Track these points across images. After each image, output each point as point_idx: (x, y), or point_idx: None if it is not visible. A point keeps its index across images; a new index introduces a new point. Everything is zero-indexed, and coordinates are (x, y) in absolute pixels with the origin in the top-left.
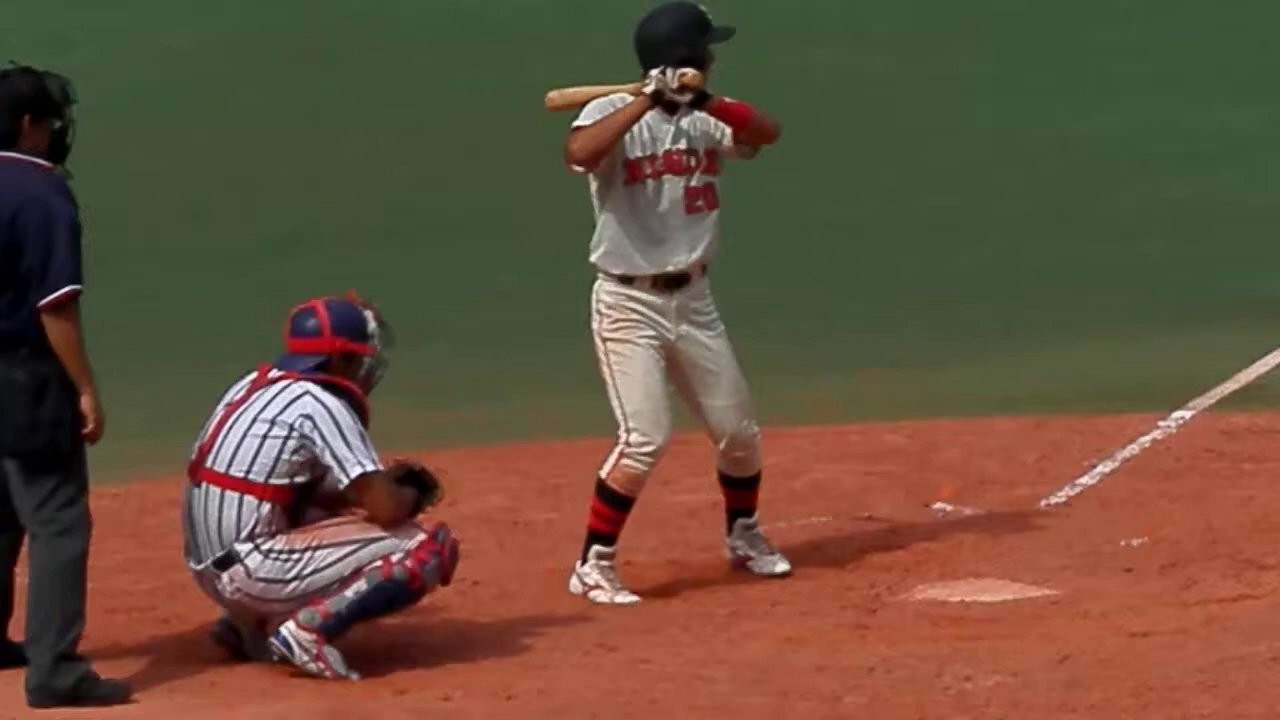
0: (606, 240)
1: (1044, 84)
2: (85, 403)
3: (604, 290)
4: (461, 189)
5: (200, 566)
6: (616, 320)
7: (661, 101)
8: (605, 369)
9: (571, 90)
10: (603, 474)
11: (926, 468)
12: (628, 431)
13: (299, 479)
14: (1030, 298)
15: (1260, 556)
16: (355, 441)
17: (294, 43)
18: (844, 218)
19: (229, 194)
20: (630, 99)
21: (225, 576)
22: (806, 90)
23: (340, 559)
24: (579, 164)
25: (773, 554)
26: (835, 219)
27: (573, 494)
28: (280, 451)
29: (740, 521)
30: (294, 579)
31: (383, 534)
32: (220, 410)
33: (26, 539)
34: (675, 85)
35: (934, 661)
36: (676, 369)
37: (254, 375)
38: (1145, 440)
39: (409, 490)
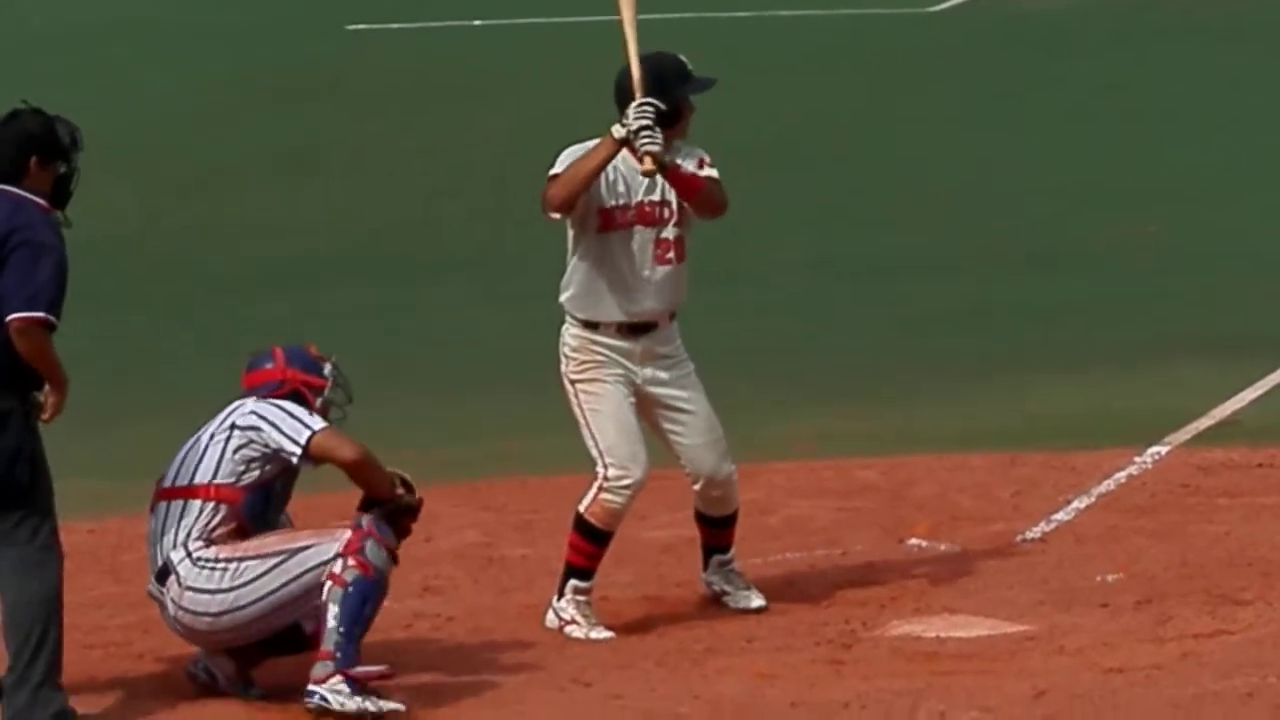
0: (575, 284)
1: (1016, 120)
2: (52, 397)
3: (569, 334)
4: (436, 228)
5: (151, 588)
6: (583, 363)
7: (631, 147)
8: (577, 409)
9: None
10: (581, 509)
11: (901, 504)
12: (605, 466)
13: (246, 477)
14: (1004, 334)
15: (1236, 592)
16: (300, 415)
17: (267, 85)
18: (817, 255)
19: (201, 234)
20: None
21: (168, 595)
22: (779, 127)
23: (268, 570)
24: (555, 211)
25: (748, 589)
26: (808, 256)
27: (547, 529)
28: (223, 452)
29: (716, 558)
30: (223, 590)
31: (307, 541)
32: None
33: None
34: (639, 155)
35: (909, 697)
36: (647, 411)
37: None
38: (1120, 476)
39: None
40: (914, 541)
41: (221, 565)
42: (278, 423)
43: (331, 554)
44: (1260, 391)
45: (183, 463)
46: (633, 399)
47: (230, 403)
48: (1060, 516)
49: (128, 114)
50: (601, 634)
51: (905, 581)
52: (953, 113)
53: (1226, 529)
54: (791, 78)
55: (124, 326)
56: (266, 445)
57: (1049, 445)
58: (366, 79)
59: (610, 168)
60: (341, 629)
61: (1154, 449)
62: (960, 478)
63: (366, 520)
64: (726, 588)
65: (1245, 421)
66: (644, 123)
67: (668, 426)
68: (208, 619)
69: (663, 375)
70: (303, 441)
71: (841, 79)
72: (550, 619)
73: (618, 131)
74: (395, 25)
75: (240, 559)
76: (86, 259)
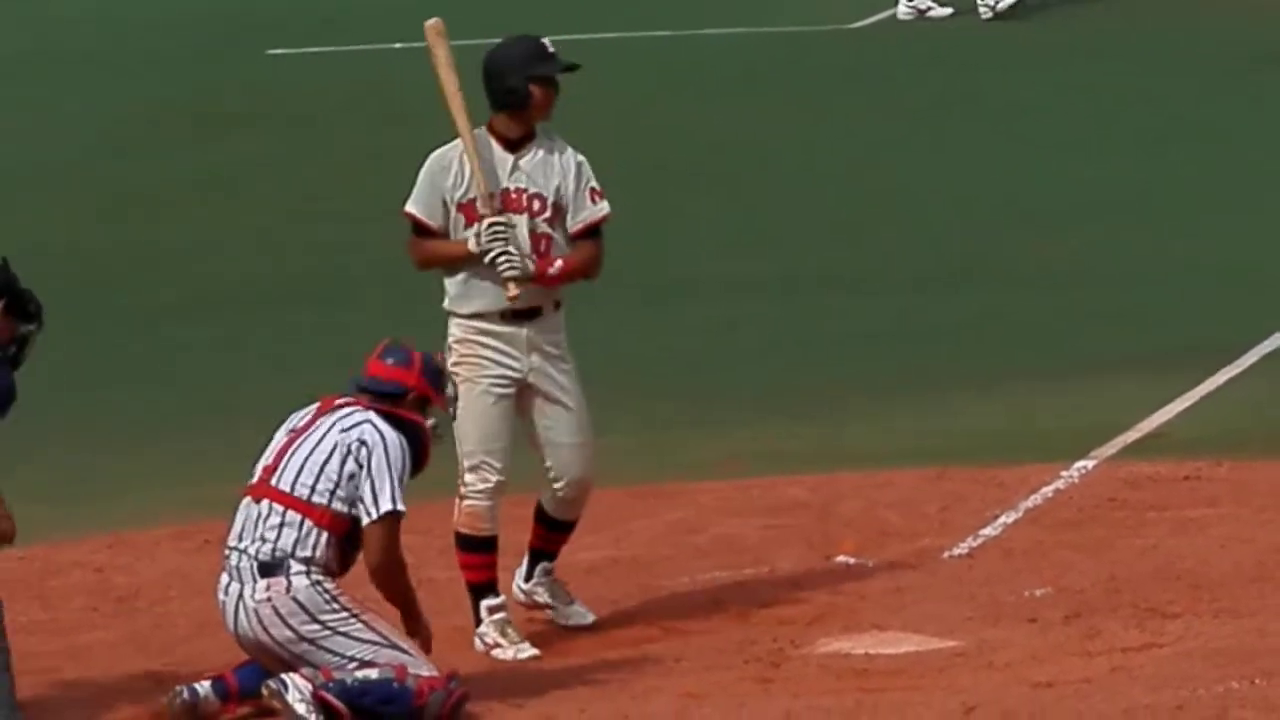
0: (455, 284)
1: (936, 137)
2: None
3: (453, 324)
4: (361, 251)
5: (239, 562)
6: (463, 356)
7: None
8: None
9: (446, 57)
10: (454, 524)
11: (828, 520)
12: (462, 472)
13: (355, 510)
14: (928, 350)
15: (1164, 605)
16: (395, 482)
17: (187, 111)
18: (740, 273)
19: (129, 260)
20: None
21: (262, 584)
22: (700, 145)
23: (363, 641)
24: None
25: (571, 603)
26: (732, 274)
27: None
28: (339, 476)
29: (542, 565)
30: (319, 623)
31: (409, 650)
32: (283, 437)
33: None
34: (503, 280)
35: (838, 714)
36: (526, 404)
37: (318, 404)
38: (1047, 490)
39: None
40: (842, 558)
41: (336, 607)
42: (375, 477)
43: (419, 670)
44: (1186, 404)
45: (302, 469)
46: (506, 404)
47: (322, 397)
48: (987, 532)
49: (47, 142)
50: (526, 651)
51: (834, 599)
52: (873, 129)
53: (1154, 542)
54: (713, 95)
55: (49, 352)
56: (357, 488)
57: (975, 461)
58: (287, 103)
59: (463, 161)
60: (356, 687)
61: (1080, 463)
62: (887, 494)
63: (456, 684)
64: (553, 602)
65: (1171, 434)
66: (496, 248)
67: (542, 421)
68: (288, 632)
69: (546, 367)
70: (374, 515)
71: (763, 96)
72: (477, 644)
73: (472, 245)
74: (315, 49)
75: (354, 615)
76: None
